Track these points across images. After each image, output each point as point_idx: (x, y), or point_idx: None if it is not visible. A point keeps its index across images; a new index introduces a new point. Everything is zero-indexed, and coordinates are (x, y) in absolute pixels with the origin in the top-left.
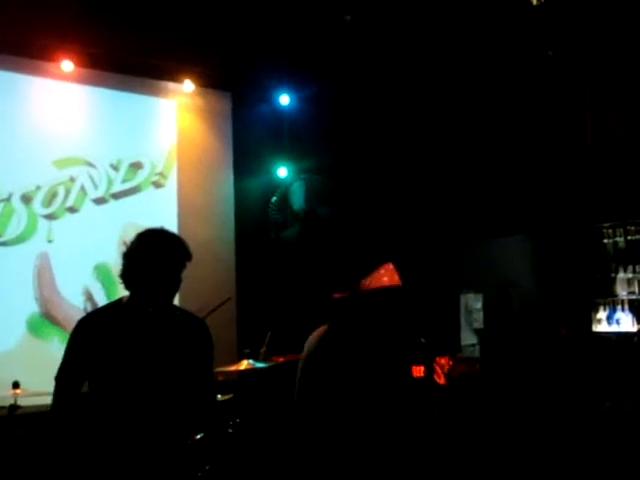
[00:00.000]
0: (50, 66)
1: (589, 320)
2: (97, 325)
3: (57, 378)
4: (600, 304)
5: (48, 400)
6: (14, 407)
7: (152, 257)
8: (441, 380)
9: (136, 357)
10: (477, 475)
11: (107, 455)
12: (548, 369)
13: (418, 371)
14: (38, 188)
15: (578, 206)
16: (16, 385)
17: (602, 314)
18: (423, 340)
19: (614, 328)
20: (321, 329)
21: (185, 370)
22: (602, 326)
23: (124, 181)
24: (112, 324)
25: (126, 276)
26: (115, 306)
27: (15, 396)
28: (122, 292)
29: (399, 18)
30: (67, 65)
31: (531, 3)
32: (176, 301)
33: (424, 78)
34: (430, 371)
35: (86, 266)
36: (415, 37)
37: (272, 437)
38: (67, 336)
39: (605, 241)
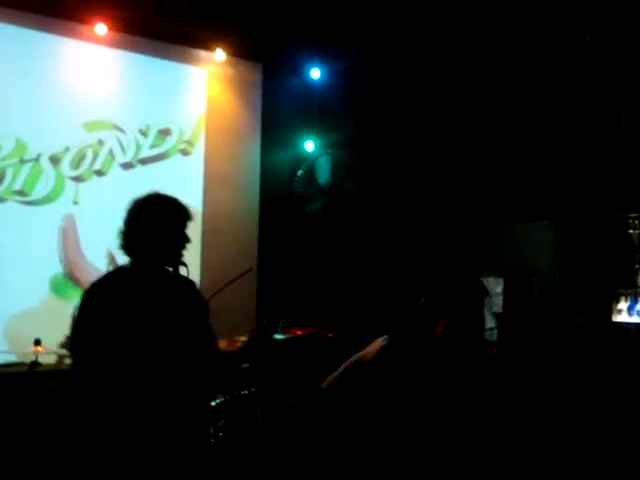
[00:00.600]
0: (84, 28)
1: (609, 310)
2: (105, 292)
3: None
4: (622, 294)
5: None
6: (35, 364)
7: (147, 219)
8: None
9: (148, 322)
10: (488, 460)
11: (123, 422)
12: (565, 357)
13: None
14: (67, 150)
15: (605, 195)
16: (38, 342)
17: (623, 305)
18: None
19: (635, 319)
20: (381, 341)
21: (191, 332)
22: (622, 317)
23: (152, 147)
24: (121, 290)
25: (127, 244)
26: (119, 273)
27: (36, 353)
28: None
29: None
30: (101, 28)
31: None
32: (197, 269)
33: (458, 56)
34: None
35: (111, 230)
36: (448, 14)
37: (286, 407)
38: None
39: (630, 232)
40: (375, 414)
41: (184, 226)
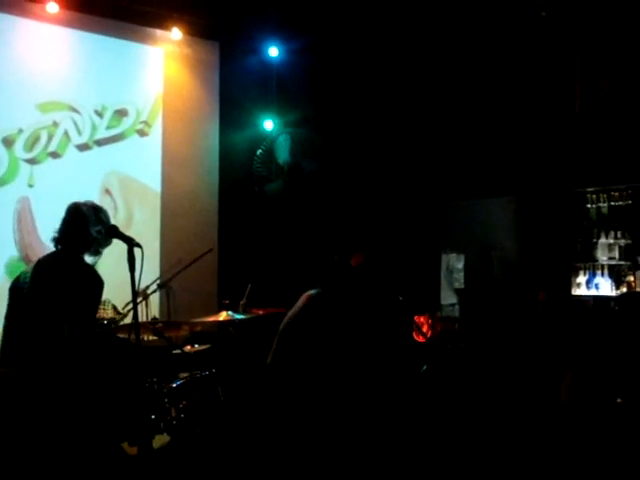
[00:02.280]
0: (35, 7)
1: (569, 284)
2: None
3: None
4: (580, 268)
5: None
6: None
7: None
8: (420, 338)
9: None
10: (452, 437)
11: None
12: (526, 331)
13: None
14: (20, 131)
15: (563, 170)
16: None
17: (582, 278)
18: (401, 298)
19: (592, 292)
20: (312, 292)
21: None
22: (581, 290)
23: (108, 128)
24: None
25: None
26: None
27: None
28: None
29: None
30: (52, 7)
31: None
32: (157, 251)
33: (412, 35)
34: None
35: None
36: None
37: (247, 387)
38: None
39: (588, 206)
40: (314, 359)
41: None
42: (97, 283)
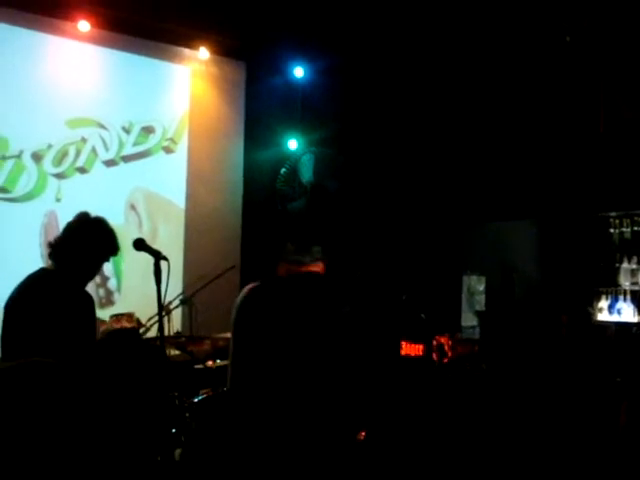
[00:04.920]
0: (67, 25)
1: (591, 308)
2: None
3: None
4: (602, 293)
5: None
6: None
7: (90, 244)
8: (443, 359)
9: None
10: (470, 456)
11: None
12: (547, 355)
13: (417, 350)
14: (49, 147)
15: (586, 194)
16: None
17: (604, 303)
18: (423, 316)
19: (615, 318)
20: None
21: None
22: (603, 315)
23: (135, 144)
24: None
25: (59, 250)
26: (43, 275)
27: None
28: (129, 254)
29: None
30: (84, 25)
31: None
32: (180, 267)
33: (437, 56)
34: (429, 349)
35: None
36: (431, 15)
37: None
38: None
39: (611, 230)
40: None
41: (108, 260)
42: (82, 306)
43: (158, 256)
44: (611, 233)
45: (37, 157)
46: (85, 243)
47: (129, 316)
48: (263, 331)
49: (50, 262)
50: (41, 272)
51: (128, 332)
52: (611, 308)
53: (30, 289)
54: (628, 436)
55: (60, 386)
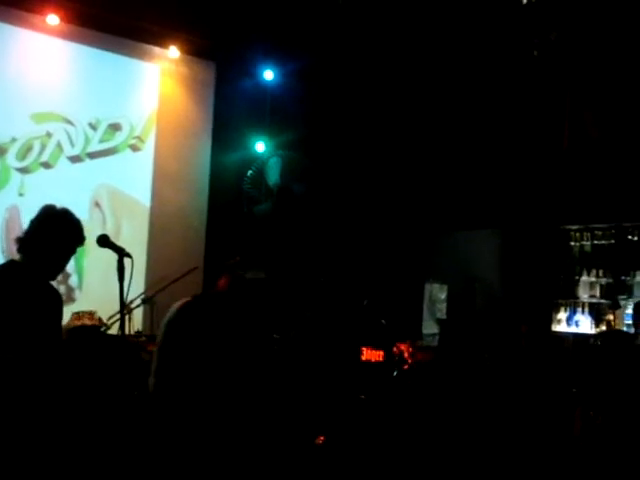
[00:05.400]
0: (35, 18)
1: (549, 319)
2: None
3: None
4: (561, 305)
5: None
6: None
7: (58, 235)
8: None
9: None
10: (426, 461)
11: None
12: (506, 364)
13: (377, 356)
14: (13, 140)
15: (548, 207)
16: None
17: (562, 315)
18: (384, 322)
19: (573, 329)
20: (183, 300)
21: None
22: (561, 326)
23: (101, 141)
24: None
25: (28, 243)
26: (12, 268)
27: None
28: (91, 251)
29: (386, 4)
30: (53, 19)
31: (521, 2)
32: (143, 266)
33: (404, 65)
34: (390, 355)
35: None
36: (400, 23)
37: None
38: None
39: (572, 243)
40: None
41: (75, 251)
42: (50, 301)
43: (122, 253)
44: (572, 246)
45: (0, 151)
46: (53, 234)
47: (90, 314)
48: (188, 348)
49: (19, 255)
50: (9, 264)
51: (91, 329)
52: (569, 320)
53: None
54: (582, 441)
55: (11, 381)
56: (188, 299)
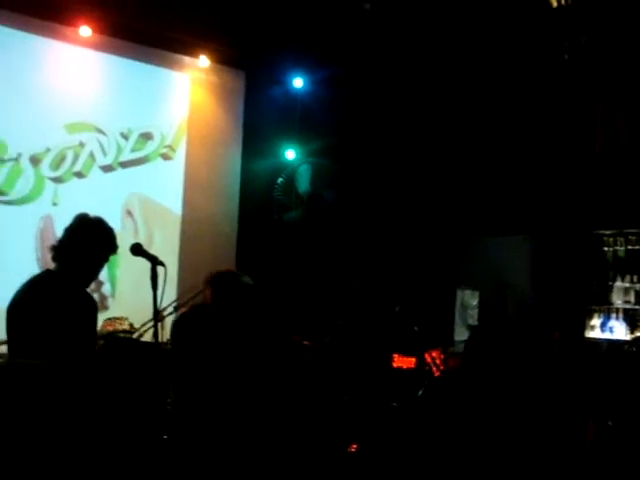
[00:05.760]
0: (68, 30)
1: (583, 326)
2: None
3: None
4: (595, 311)
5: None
6: None
7: (92, 243)
8: (432, 372)
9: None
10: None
11: None
12: (538, 371)
13: (409, 362)
14: (47, 150)
15: (581, 212)
16: None
17: (596, 321)
18: (416, 329)
19: (607, 335)
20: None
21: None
22: (595, 333)
23: (133, 150)
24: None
25: (62, 252)
26: (47, 277)
27: None
28: (124, 259)
29: (415, 10)
30: (85, 30)
31: (551, 5)
32: (175, 274)
33: (435, 71)
34: (422, 362)
35: None
36: (429, 30)
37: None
38: None
39: (605, 249)
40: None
41: (108, 259)
42: (86, 308)
43: (155, 261)
44: (605, 251)
45: (35, 160)
46: (87, 243)
47: (121, 320)
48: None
49: (53, 264)
50: (45, 274)
51: (126, 337)
52: (603, 326)
53: (34, 291)
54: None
55: (45, 388)
56: (185, 310)
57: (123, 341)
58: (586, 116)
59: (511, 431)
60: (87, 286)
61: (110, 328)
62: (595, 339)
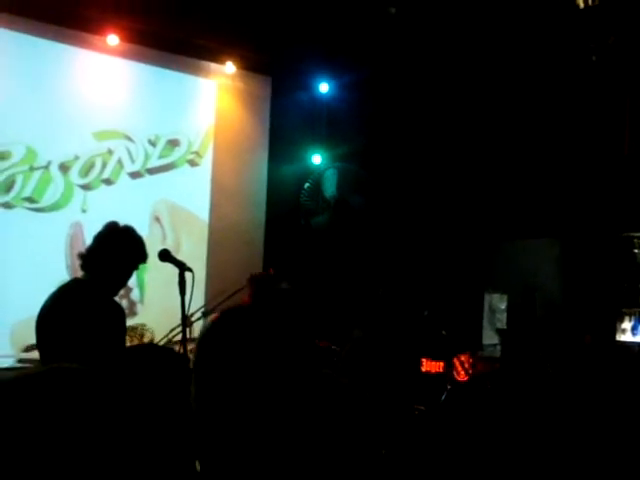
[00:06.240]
0: (96, 39)
1: (614, 329)
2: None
3: None
4: (626, 314)
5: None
6: None
7: (121, 252)
8: (461, 377)
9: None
10: (484, 474)
11: None
12: (569, 375)
13: (437, 367)
14: (76, 158)
15: (610, 214)
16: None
17: (627, 324)
18: (444, 333)
19: (638, 339)
20: (213, 316)
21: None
22: (626, 336)
23: (160, 157)
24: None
25: (91, 260)
26: (76, 286)
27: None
28: (152, 265)
29: (442, 13)
30: (112, 39)
31: (578, 6)
32: (203, 280)
33: (462, 74)
34: (450, 366)
35: None
36: (457, 33)
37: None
38: None
39: (635, 251)
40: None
41: (137, 267)
42: (114, 317)
43: (183, 267)
44: (635, 253)
45: (64, 168)
46: (116, 251)
47: (143, 329)
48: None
49: (82, 272)
50: (73, 282)
51: (146, 345)
52: (634, 329)
53: (63, 299)
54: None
55: (86, 392)
56: (216, 315)
57: (155, 349)
58: (614, 117)
59: (540, 433)
60: (115, 294)
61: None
62: (626, 342)
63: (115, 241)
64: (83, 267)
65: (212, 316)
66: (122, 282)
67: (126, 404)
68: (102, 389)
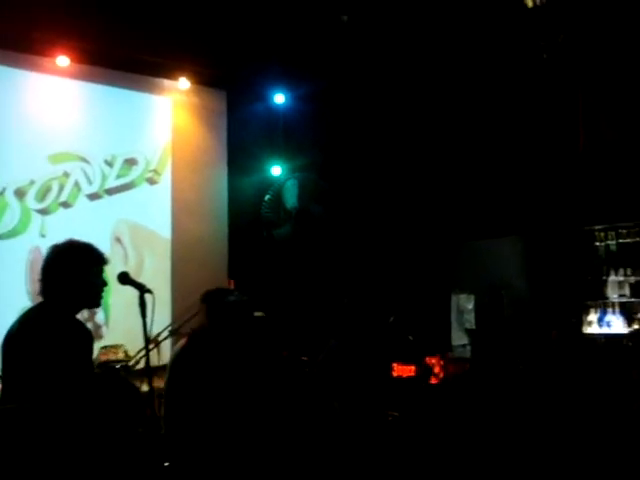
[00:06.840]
0: (46, 61)
1: (580, 322)
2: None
3: None
4: (591, 306)
5: None
6: None
7: (65, 266)
8: (432, 380)
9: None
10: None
11: None
12: (539, 370)
13: (408, 370)
14: (32, 183)
15: (570, 209)
16: None
17: (593, 316)
18: (411, 338)
19: (605, 330)
20: (182, 342)
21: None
22: (592, 328)
23: (118, 177)
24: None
25: (46, 290)
26: (38, 309)
27: None
28: (115, 287)
29: (394, 19)
30: (63, 60)
31: (526, 6)
32: (168, 298)
33: (417, 80)
34: (424, 370)
35: None
36: (409, 38)
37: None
38: None
39: (597, 244)
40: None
41: (101, 271)
42: (79, 338)
43: (142, 289)
44: (597, 246)
45: (20, 193)
46: (62, 267)
47: (116, 348)
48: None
49: (41, 298)
50: (37, 307)
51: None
52: (600, 321)
53: (26, 324)
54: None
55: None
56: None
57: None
58: (568, 113)
59: (516, 431)
60: (78, 312)
61: (104, 358)
62: (593, 334)
63: (59, 258)
64: (41, 292)
65: (181, 342)
66: (83, 296)
67: (77, 431)
68: (34, 428)
